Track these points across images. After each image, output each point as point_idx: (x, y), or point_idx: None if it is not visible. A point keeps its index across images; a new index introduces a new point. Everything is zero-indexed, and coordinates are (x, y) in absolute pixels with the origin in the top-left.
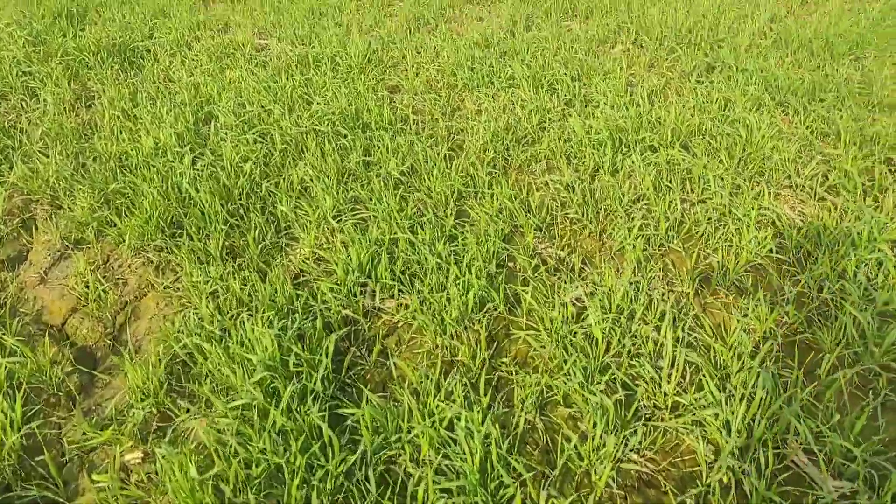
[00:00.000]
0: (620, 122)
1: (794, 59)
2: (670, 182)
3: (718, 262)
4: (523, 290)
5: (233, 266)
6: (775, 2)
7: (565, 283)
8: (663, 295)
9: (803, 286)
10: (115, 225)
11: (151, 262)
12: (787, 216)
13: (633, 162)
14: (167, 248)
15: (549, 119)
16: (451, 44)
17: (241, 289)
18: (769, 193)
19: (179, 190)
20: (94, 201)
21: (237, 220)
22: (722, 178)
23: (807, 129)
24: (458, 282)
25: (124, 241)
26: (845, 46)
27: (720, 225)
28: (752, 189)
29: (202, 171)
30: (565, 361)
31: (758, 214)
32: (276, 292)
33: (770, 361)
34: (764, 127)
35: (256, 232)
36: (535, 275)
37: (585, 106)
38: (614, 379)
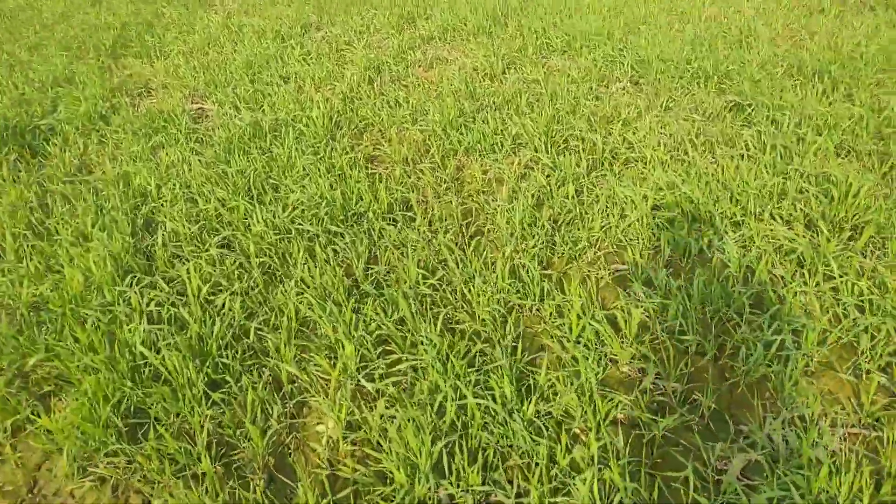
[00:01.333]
0: (687, 190)
1: (815, 88)
2: (783, 270)
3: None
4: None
5: (233, 479)
6: (766, 27)
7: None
8: None
9: None
10: (41, 426)
11: (104, 481)
12: None
13: (725, 246)
14: (126, 456)
15: (586, 188)
16: (426, 93)
17: None
18: None
19: (132, 354)
20: (1, 385)
21: (225, 391)
22: (844, 260)
23: (883, 177)
24: (584, 479)
25: (60, 450)
26: (870, 70)
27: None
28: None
29: (159, 314)
30: None
31: None
32: None
33: None
34: (854, 182)
35: (257, 411)
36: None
37: (623, 166)
38: None
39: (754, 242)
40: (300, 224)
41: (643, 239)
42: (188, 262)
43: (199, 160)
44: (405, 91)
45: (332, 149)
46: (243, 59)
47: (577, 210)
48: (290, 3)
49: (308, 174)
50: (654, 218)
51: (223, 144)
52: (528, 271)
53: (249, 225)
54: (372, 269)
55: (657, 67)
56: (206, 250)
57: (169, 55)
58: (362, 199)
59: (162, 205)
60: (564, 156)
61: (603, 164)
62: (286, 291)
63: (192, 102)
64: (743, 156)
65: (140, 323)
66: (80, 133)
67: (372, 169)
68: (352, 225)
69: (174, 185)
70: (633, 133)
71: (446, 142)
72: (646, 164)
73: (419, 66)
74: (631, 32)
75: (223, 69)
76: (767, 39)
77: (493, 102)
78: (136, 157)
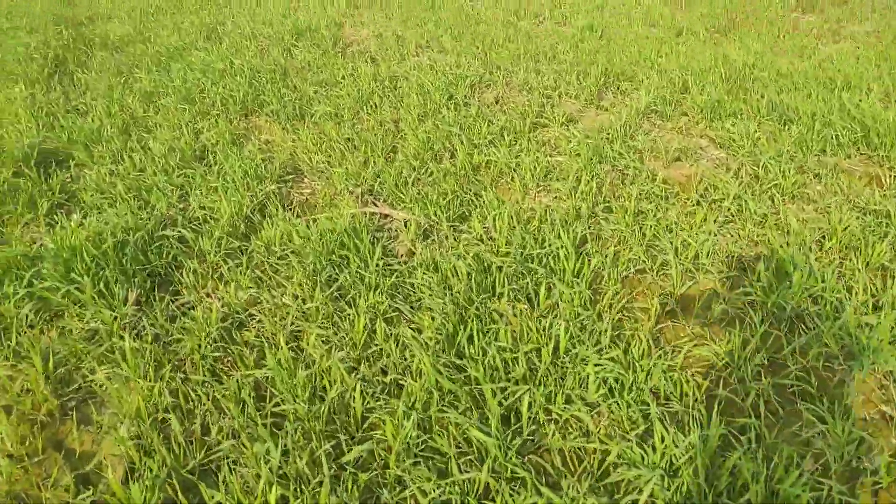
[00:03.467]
0: None
1: None
2: None
3: None
4: None
5: None
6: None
7: None
8: None
9: None
10: None
11: None
12: None
13: None
14: None
15: None
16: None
17: None
18: None
19: None
20: None
21: None
22: None
23: None
24: None
25: None
26: None
27: None
28: None
29: None
30: None
31: None
32: None
33: None
34: None
35: None
36: None
37: None
38: None
39: None
40: None
41: None
42: None
43: (424, 340)
44: (668, 207)
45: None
46: (414, 135)
47: None
48: (443, 48)
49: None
50: None
51: (451, 302)
52: None
53: None
54: None
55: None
56: None
57: (314, 116)
58: None
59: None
60: None
61: None
62: None
63: (367, 204)
64: None
65: None
66: (222, 254)
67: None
68: None
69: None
70: None
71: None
72: None
73: (656, 158)
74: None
75: (388, 143)
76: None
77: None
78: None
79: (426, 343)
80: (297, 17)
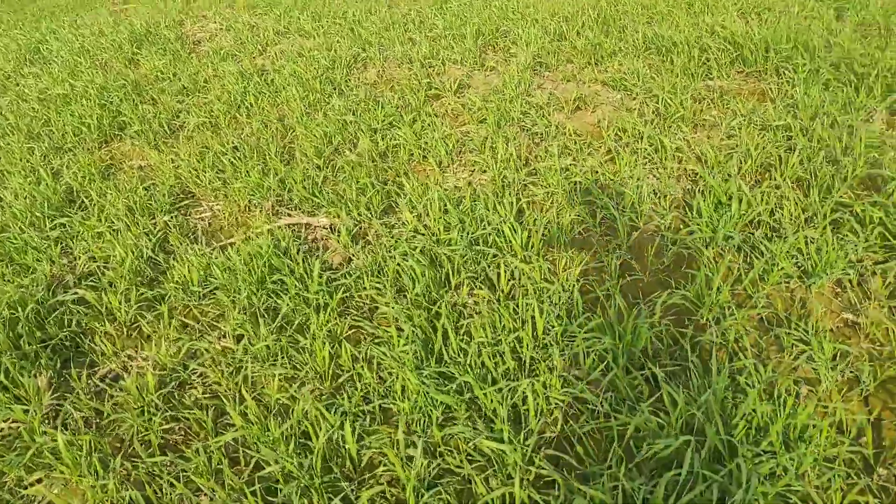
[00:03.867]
0: None
1: None
2: None
3: None
4: None
5: None
6: None
7: None
8: None
9: None
10: None
11: None
12: None
13: None
14: None
15: None
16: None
17: None
18: None
19: None
20: None
21: None
22: None
23: None
24: None
25: None
26: None
27: None
28: None
29: None
30: None
31: None
32: None
33: None
34: None
35: None
36: None
37: None
38: None
39: None
40: None
41: None
42: None
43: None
44: None
45: None
46: (307, 131)
47: None
48: (304, 31)
49: None
50: None
51: None
52: None
53: None
54: None
55: None
56: None
57: (186, 129)
58: None
59: None
60: None
61: None
62: None
63: (280, 216)
64: None
65: None
66: (135, 308)
67: None
68: None
69: None
70: None
71: None
72: None
73: (559, 111)
74: None
75: (281, 144)
76: None
77: None
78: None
79: (400, 358)
80: (131, 22)
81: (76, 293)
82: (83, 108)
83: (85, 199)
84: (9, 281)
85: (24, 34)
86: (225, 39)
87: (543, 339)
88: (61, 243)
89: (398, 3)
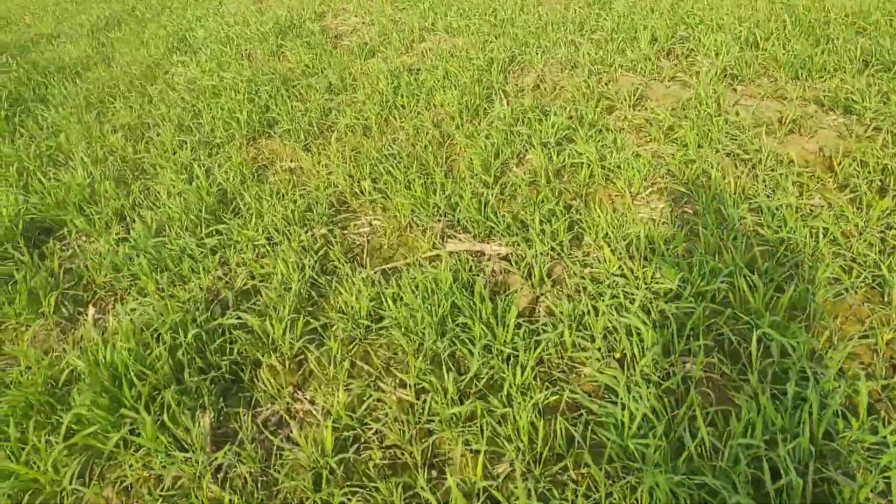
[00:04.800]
0: None
1: None
2: None
3: None
4: None
5: None
6: None
7: None
8: None
9: None
10: None
11: None
12: None
13: None
14: None
15: None
16: None
17: None
18: None
19: None
20: None
21: None
22: None
23: None
24: None
25: None
26: None
27: None
28: None
29: None
30: None
31: None
32: None
33: None
34: None
35: None
36: None
37: None
38: None
39: None
40: None
41: None
42: None
43: None
44: None
45: None
46: (469, 140)
47: None
48: (451, 29)
49: None
50: None
51: None
52: None
53: None
54: None
55: None
56: None
57: (336, 131)
58: None
59: None
60: None
61: None
62: None
63: (446, 239)
64: None
65: None
66: (301, 340)
67: None
68: None
69: None
70: None
71: None
72: None
73: (765, 134)
74: None
75: (441, 154)
76: None
77: None
78: None
79: (642, 451)
80: (276, 13)
81: (238, 317)
82: (232, 100)
83: (239, 203)
84: (170, 296)
85: (172, 21)
86: (368, 34)
87: None
88: (217, 252)
89: (550, 1)
